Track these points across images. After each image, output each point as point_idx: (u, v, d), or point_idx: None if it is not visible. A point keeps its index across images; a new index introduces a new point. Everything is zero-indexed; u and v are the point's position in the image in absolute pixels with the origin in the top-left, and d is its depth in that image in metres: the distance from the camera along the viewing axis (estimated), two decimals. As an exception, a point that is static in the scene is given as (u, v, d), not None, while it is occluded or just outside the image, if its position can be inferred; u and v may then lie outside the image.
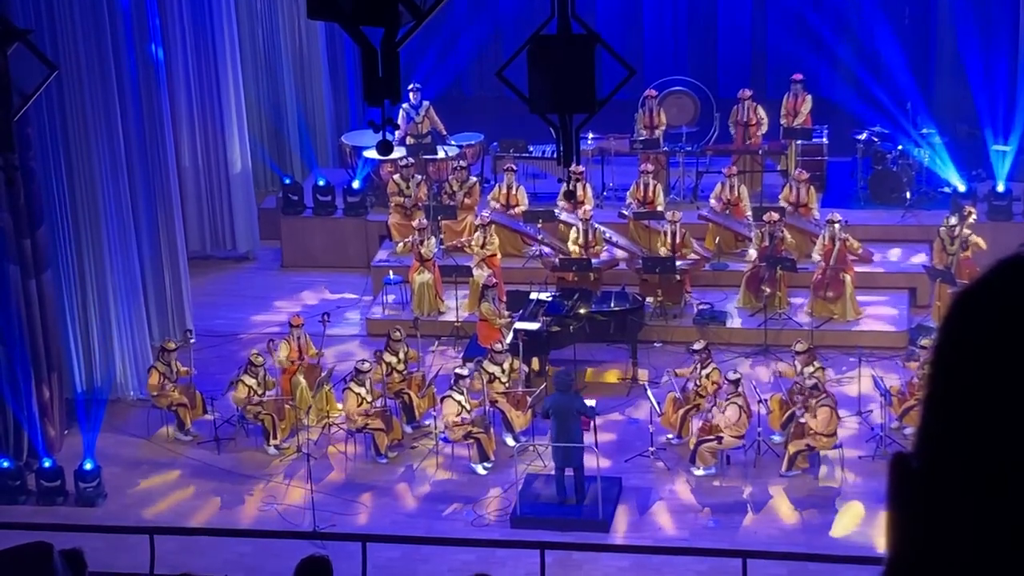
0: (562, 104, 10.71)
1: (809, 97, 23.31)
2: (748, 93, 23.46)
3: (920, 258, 21.40)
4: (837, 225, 20.27)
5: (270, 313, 21.88)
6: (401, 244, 21.46)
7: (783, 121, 23.29)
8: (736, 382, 17.47)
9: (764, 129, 23.31)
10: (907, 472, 1.85)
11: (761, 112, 23.32)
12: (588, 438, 17.09)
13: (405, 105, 23.29)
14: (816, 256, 20.44)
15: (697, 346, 18.42)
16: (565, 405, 16.89)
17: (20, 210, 17.77)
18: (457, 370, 18.10)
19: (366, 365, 18.20)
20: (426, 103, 23.56)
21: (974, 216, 20.56)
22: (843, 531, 16.59)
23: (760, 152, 23.14)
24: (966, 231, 20.23)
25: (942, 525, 1.79)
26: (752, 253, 20.72)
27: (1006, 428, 1.75)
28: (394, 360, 18.79)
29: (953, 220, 20.37)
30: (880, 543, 15.89)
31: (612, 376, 19.75)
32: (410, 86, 23.11)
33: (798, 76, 23.39)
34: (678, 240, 20.88)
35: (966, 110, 22.80)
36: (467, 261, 21.14)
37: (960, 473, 1.78)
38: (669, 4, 27.10)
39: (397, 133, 23.06)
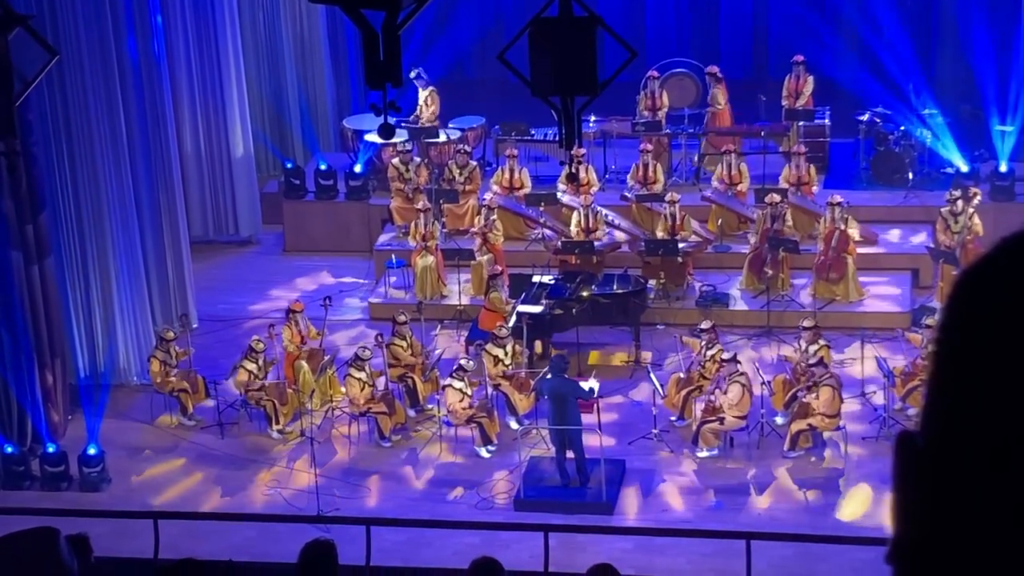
0: (564, 86, 10.72)
1: (811, 78, 23.27)
2: (715, 69, 23.51)
3: (922, 238, 21.37)
4: (838, 208, 20.25)
5: (273, 297, 21.88)
6: (411, 237, 21.36)
7: (785, 103, 23.26)
8: (734, 360, 17.47)
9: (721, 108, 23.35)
10: (913, 451, 1.85)
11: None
12: (591, 421, 17.09)
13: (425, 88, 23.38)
14: (819, 237, 20.41)
15: (704, 325, 18.43)
16: (560, 389, 16.89)
17: (22, 196, 17.77)
18: (460, 361, 18.10)
19: (366, 352, 18.21)
20: (431, 88, 23.48)
21: (979, 197, 20.55)
22: (847, 512, 16.60)
23: (762, 134, 23.12)
24: (970, 210, 20.21)
25: (948, 503, 1.79)
26: (753, 239, 20.70)
27: (1011, 405, 1.75)
28: (403, 344, 18.80)
29: (956, 193, 20.37)
30: (884, 523, 15.91)
31: (615, 359, 19.75)
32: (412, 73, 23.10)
33: (799, 57, 23.34)
34: (677, 222, 20.87)
35: (968, 90, 22.77)
36: (469, 244, 21.14)
37: (965, 451, 1.78)
38: (671, -14, 27.08)
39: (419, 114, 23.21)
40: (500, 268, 20.22)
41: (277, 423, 18.39)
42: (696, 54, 25.08)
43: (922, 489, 1.83)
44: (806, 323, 18.38)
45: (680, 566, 15.61)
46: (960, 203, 20.22)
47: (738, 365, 17.49)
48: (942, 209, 20.37)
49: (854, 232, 20.57)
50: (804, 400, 17.30)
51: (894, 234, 21.79)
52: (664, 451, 17.75)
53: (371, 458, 18.01)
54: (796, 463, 17.40)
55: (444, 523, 16.12)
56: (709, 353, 18.12)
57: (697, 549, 15.71)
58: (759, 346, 19.93)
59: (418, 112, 23.46)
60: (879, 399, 18.25)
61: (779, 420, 17.98)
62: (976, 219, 20.16)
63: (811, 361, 17.50)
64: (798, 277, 20.71)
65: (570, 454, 16.97)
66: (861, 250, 20.69)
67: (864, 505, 16.65)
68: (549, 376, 17.25)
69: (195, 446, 18.44)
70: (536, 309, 19.24)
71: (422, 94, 23.42)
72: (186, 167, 22.39)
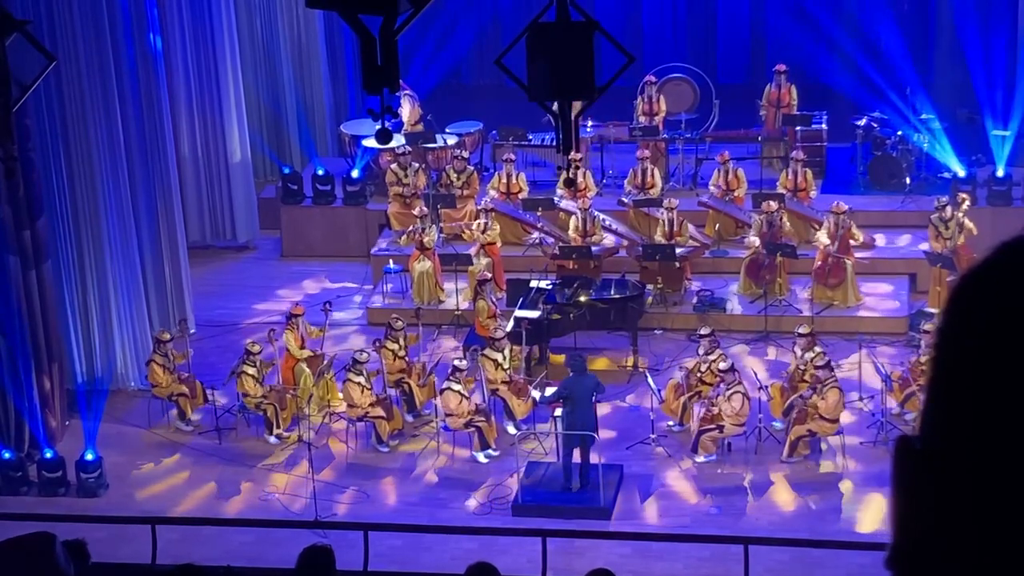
0: (561, 91, 10.71)
1: (793, 87, 23.30)
2: (653, 78, 23.54)
3: (919, 243, 21.37)
4: (843, 217, 20.26)
5: (270, 303, 21.88)
6: (404, 236, 21.44)
7: (762, 112, 23.30)
8: (732, 370, 17.46)
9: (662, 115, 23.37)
10: (912, 455, 1.85)
11: (662, 102, 23.34)
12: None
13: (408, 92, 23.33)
14: (824, 239, 20.36)
15: (704, 331, 18.42)
16: (581, 386, 16.91)
17: (20, 201, 17.76)
18: (455, 362, 18.10)
19: (363, 355, 18.21)
20: (405, 94, 23.37)
21: (968, 203, 20.56)
22: (845, 517, 16.60)
23: (760, 139, 23.16)
24: (959, 214, 20.22)
25: (947, 508, 1.79)
26: (752, 240, 20.69)
27: (1010, 410, 1.75)
28: (395, 347, 18.81)
29: (944, 199, 20.41)
30: (882, 528, 15.90)
31: (612, 364, 19.74)
32: None
33: (781, 67, 23.37)
34: (675, 228, 20.87)
35: (966, 95, 22.78)
36: (466, 249, 21.13)
37: (965, 455, 1.78)
38: (668, -9, 27.08)
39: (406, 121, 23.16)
40: (488, 275, 20.21)
41: (276, 428, 18.38)
42: (693, 59, 25.09)
43: (921, 494, 1.83)
44: (801, 330, 18.37)
45: (678, 571, 15.61)
46: (949, 209, 20.24)
47: (736, 375, 17.48)
48: (931, 216, 20.38)
49: (859, 234, 20.59)
50: (810, 403, 17.25)
51: (891, 239, 21.79)
52: (662, 456, 17.74)
53: (369, 463, 18.00)
54: (794, 468, 17.39)
55: (442, 528, 16.12)
56: (709, 359, 18.11)
57: (695, 554, 15.70)
58: (757, 351, 19.92)
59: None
60: (877, 403, 18.25)
61: (777, 426, 17.97)
62: (968, 221, 20.18)
63: (818, 363, 17.47)
64: (796, 282, 20.72)
65: (576, 458, 16.95)
66: (859, 255, 20.68)
67: (861, 510, 16.64)
68: (569, 375, 17.24)
69: (193, 451, 18.42)
70: (534, 314, 19.24)
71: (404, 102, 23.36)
72: (183, 172, 22.39)
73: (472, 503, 17.09)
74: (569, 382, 17.12)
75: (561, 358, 19.11)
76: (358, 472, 17.81)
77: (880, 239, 21.67)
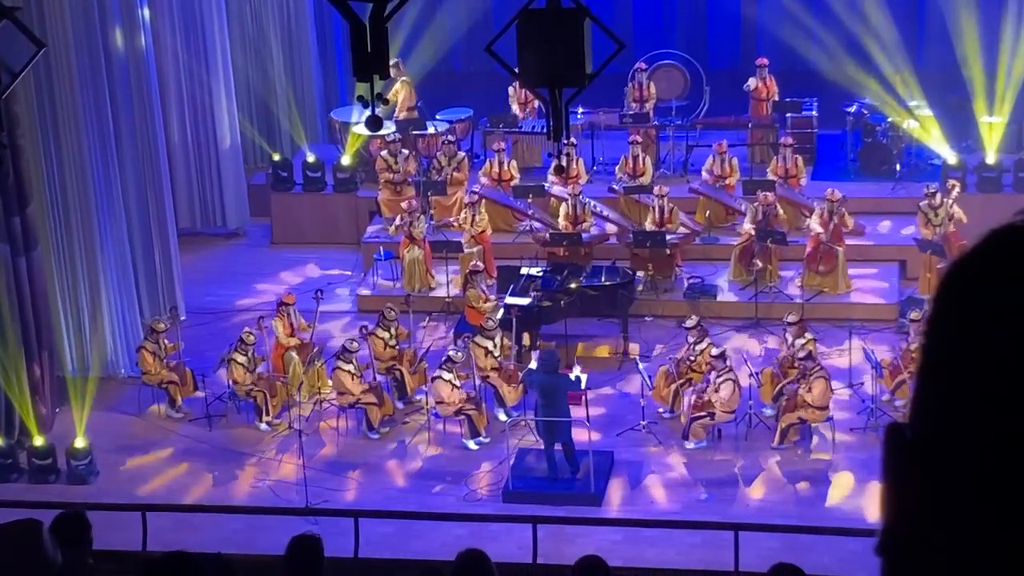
0: (552, 78, 10.70)
1: (774, 78, 23.29)
2: (643, 65, 23.54)
3: (910, 229, 21.39)
4: (836, 203, 20.26)
5: (261, 290, 21.86)
6: (393, 227, 21.40)
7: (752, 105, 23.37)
8: (722, 356, 17.47)
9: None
10: (902, 443, 1.85)
11: (653, 89, 23.35)
12: (580, 413, 17.10)
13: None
14: (815, 226, 20.36)
15: (689, 323, 18.41)
16: (551, 384, 16.90)
17: (9, 188, 17.72)
18: (449, 352, 18.08)
19: (354, 345, 18.19)
20: (403, 79, 23.35)
21: (958, 190, 20.58)
22: (835, 503, 16.63)
23: (749, 126, 23.16)
24: (948, 202, 20.24)
25: (937, 495, 1.79)
26: (747, 227, 20.67)
27: (1000, 398, 1.74)
28: (386, 336, 18.79)
29: (934, 187, 20.43)
30: (872, 514, 15.92)
31: (603, 351, 19.76)
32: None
33: (763, 60, 23.36)
34: (665, 215, 20.87)
35: (956, 81, 22.78)
36: (457, 236, 21.12)
37: (955, 443, 1.78)
38: (658, -23, 27.04)
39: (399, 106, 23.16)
40: (481, 265, 20.21)
41: (267, 415, 18.37)
42: (684, 46, 25.06)
43: (911, 481, 1.83)
44: (790, 318, 18.38)
45: (669, 557, 15.61)
46: (938, 196, 20.26)
47: (726, 362, 17.49)
48: (921, 203, 20.40)
49: (850, 221, 20.61)
50: (798, 395, 17.28)
51: (882, 226, 21.82)
52: (652, 443, 17.76)
53: (359, 450, 18.00)
54: (784, 454, 17.42)
55: (432, 515, 16.13)
56: (699, 348, 18.11)
57: (685, 540, 15.71)
58: (747, 338, 19.93)
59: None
60: (867, 390, 18.27)
61: (767, 412, 17.99)
62: (957, 208, 20.19)
63: (799, 355, 17.50)
64: (786, 269, 20.72)
65: (558, 447, 16.96)
66: (849, 242, 20.70)
67: (851, 497, 16.67)
68: (538, 370, 17.21)
69: (183, 438, 18.41)
70: (524, 301, 19.23)
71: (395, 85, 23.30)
72: (173, 159, 22.34)
73: (462, 490, 17.10)
74: (538, 379, 17.03)
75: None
76: (349, 459, 17.81)
77: (882, 226, 21.66)
